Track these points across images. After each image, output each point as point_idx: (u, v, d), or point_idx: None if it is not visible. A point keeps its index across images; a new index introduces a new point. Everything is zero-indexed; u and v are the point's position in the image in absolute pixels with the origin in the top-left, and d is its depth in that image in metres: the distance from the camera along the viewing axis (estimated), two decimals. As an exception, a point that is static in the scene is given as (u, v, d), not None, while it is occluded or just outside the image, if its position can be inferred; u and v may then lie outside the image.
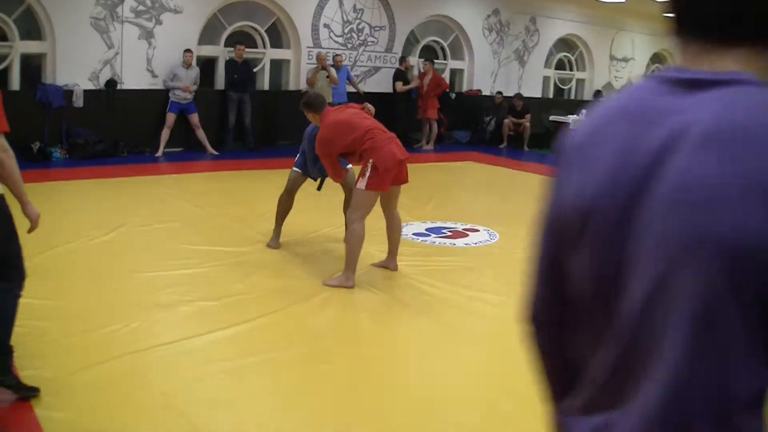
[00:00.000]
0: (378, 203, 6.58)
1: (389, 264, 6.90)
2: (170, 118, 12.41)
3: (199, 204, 8.90)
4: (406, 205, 6.56)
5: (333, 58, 14.17)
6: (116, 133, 12.02)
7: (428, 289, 6.44)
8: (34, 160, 10.86)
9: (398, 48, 16.05)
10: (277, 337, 5.16)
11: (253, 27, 14.12)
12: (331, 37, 14.84)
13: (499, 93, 17.51)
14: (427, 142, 15.66)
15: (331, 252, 7.37)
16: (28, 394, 3.89)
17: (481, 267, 7.28)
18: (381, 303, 6.07)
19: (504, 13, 17.99)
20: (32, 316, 4.79)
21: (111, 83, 12.12)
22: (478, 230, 8.59)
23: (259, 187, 10.29)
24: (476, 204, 10.38)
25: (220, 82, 13.70)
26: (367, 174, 6.27)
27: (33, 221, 3.89)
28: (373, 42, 15.61)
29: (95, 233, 7.27)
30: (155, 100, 12.47)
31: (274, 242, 7.34)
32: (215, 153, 12.88)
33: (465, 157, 14.73)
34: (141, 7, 12.26)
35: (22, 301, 3.93)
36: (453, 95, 16.50)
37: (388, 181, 6.33)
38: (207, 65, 13.20)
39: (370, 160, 6.25)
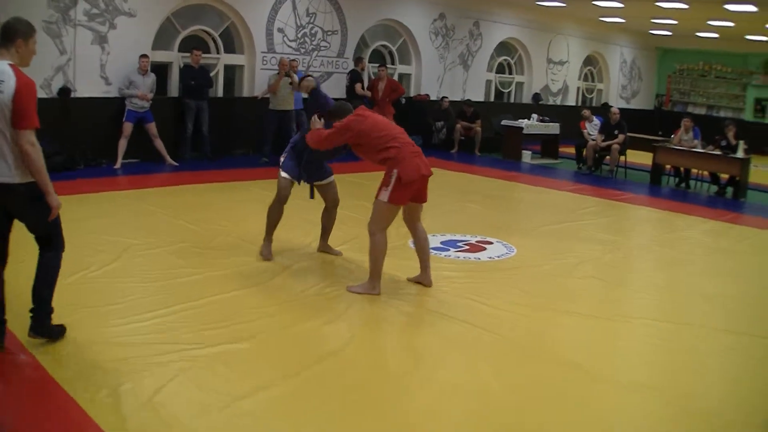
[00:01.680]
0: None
1: (423, 279, 6.71)
2: (127, 127, 11.71)
3: (190, 220, 8.35)
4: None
5: (288, 64, 13.65)
6: (71, 144, 11.25)
7: (478, 305, 6.15)
8: None
9: (350, 53, 15.65)
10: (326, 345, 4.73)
11: (206, 31, 13.47)
12: (284, 42, 14.33)
13: (445, 98, 17.31)
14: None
15: (332, 262, 7.24)
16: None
17: (516, 281, 7.03)
18: (421, 317, 5.68)
19: (449, 17, 17.80)
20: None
21: (64, 91, 11.36)
22: (492, 243, 8.40)
23: (242, 198, 9.81)
24: (465, 213, 10.11)
25: (173, 88, 13.01)
26: (391, 186, 6.15)
27: (54, 209, 4.53)
28: (325, 47, 15.16)
29: (101, 259, 6.67)
30: (110, 109, 11.76)
31: (268, 252, 7.12)
32: (175, 164, 12.22)
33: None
34: (94, 10, 11.54)
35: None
36: (403, 100, 16.14)
37: (408, 196, 6.26)
38: (159, 71, 12.48)
39: (395, 171, 6.13)
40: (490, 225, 9.36)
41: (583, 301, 6.69)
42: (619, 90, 24.35)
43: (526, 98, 20.79)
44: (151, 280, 6.26)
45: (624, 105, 23.34)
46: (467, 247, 8.16)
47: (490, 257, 7.83)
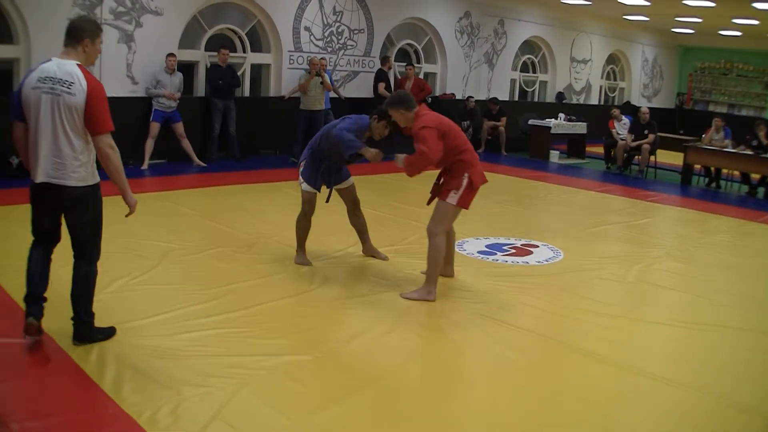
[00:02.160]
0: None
1: (447, 272, 6.72)
2: (155, 127, 11.51)
3: (226, 223, 8.15)
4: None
5: (319, 63, 13.43)
6: (98, 145, 11.02)
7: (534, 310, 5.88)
8: (17, 176, 9.80)
9: (376, 51, 15.44)
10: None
11: (232, 30, 13.26)
12: (311, 41, 14.11)
13: (471, 97, 17.07)
14: (408, 149, 15.01)
15: (376, 266, 7.01)
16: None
17: (572, 286, 6.84)
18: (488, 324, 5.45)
19: (474, 16, 17.56)
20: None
21: (91, 91, 11.11)
22: (537, 246, 8.16)
23: (274, 200, 9.63)
24: (502, 215, 9.90)
25: (199, 88, 12.81)
26: (462, 189, 6.09)
27: (132, 207, 4.78)
28: (352, 45, 14.94)
29: (141, 265, 6.47)
30: (137, 109, 11.55)
31: (304, 260, 6.93)
32: (202, 164, 12.01)
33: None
34: (120, 8, 11.33)
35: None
36: (429, 99, 15.89)
37: (472, 200, 6.20)
38: (185, 71, 12.27)
39: (466, 174, 6.07)
40: (529, 227, 9.16)
41: (650, 307, 6.50)
42: (641, 89, 24.08)
43: (550, 97, 20.55)
44: (196, 286, 6.04)
45: (646, 103, 23.00)
46: (513, 251, 7.95)
47: (539, 261, 7.62)
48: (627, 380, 4.83)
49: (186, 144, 11.89)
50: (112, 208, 8.20)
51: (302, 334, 5.21)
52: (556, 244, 8.32)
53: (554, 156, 16.44)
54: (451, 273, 6.76)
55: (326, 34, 14.36)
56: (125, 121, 11.25)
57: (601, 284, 7.04)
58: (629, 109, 21.64)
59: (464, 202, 6.11)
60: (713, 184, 14.41)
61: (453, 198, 6.08)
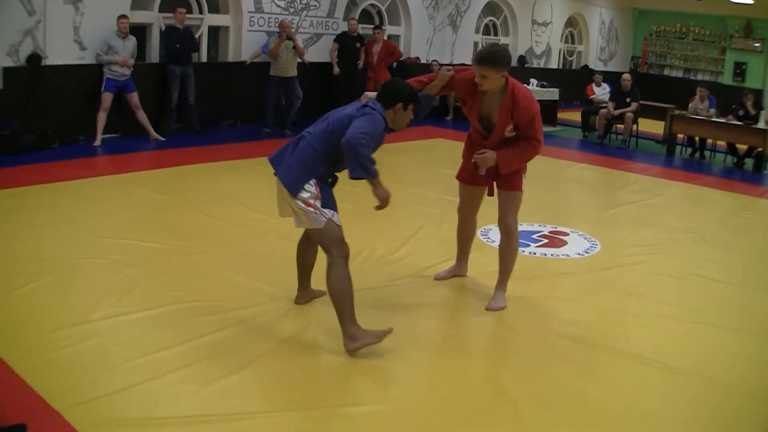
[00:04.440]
0: (463, 203, 5.55)
1: (461, 271, 5.76)
2: (107, 98, 10.19)
3: (215, 214, 6.98)
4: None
5: (279, 24, 12.23)
6: (43, 119, 9.71)
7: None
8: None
9: (340, 12, 14.23)
10: None
11: (188, -13, 11.95)
12: (273, 1, 12.83)
13: (435, 61, 16.01)
14: (377, 117, 13.91)
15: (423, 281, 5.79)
16: None
17: (630, 285, 5.99)
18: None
19: (439, -25, 16.45)
20: None
21: (34, 58, 9.76)
22: (567, 233, 7.23)
23: (257, 181, 8.43)
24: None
25: (153, 53, 11.49)
26: (525, 171, 5.18)
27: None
28: (315, 6, 13.69)
29: (128, 278, 5.29)
30: (86, 78, 10.21)
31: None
32: (160, 138, 10.75)
33: (425, 134, 13.10)
34: (66, -36, 9.92)
35: None
36: (394, 64, 14.77)
37: None
38: (137, 34, 10.90)
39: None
40: (540, 208, 8.26)
41: (711, 309, 5.64)
42: (597, 52, 23.31)
43: (512, 61, 19.57)
44: (212, 307, 4.87)
45: (602, 67, 22.31)
46: (545, 241, 7.03)
47: (579, 254, 6.71)
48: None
49: (142, 116, 10.62)
50: (71, 197, 7.06)
51: (373, 380, 4.13)
52: (586, 231, 7.45)
53: (526, 124, 15.49)
54: (465, 271, 5.80)
55: (288, -7, 13.11)
56: (74, 91, 10.08)
57: (658, 282, 6.15)
58: (586, 73, 20.98)
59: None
60: (697, 154, 13.72)
61: (522, 183, 5.16)
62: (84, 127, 10.12)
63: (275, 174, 4.41)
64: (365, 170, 4.13)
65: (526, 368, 4.35)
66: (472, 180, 5.25)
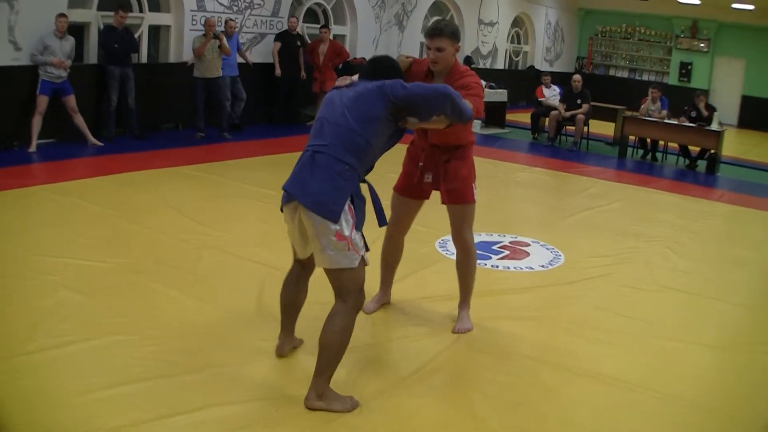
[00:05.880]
0: (397, 219, 4.96)
1: (387, 298, 5.22)
2: (42, 101, 9.65)
3: (153, 226, 6.59)
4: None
5: (225, 24, 11.81)
6: (-27, 124, 9.17)
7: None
8: None
9: (284, 11, 13.81)
10: None
11: (128, -15, 11.43)
12: (216, -1, 12.38)
13: (383, 61, 15.64)
14: (323, 120, 13.54)
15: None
16: None
17: (600, 300, 5.68)
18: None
19: (386, -27, 16.14)
20: None
21: (-36, 59, 9.20)
22: (529, 244, 6.96)
23: (197, 189, 8.09)
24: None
25: (91, 54, 10.97)
26: (475, 180, 4.81)
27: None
28: (259, 5, 13.27)
29: (66, 300, 4.85)
30: (21, 80, 9.65)
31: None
32: (99, 143, 10.25)
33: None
34: (-3, -41, 9.38)
35: None
36: (340, 66, 14.40)
37: None
38: (74, 34, 10.37)
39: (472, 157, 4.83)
40: (498, 215, 8.03)
41: (692, 324, 5.43)
42: (543, 52, 23.22)
43: (459, 61, 19.33)
44: (159, 337, 4.47)
45: (548, 68, 22.21)
46: (507, 252, 6.73)
47: (542, 266, 6.44)
48: None
49: (79, 120, 10.10)
50: (3, 209, 6.57)
51: None
52: (548, 241, 7.20)
53: (476, 126, 15.23)
54: (388, 298, 5.22)
55: (232, -8, 12.66)
56: (7, 94, 9.55)
57: (626, 295, 5.91)
58: (533, 74, 20.87)
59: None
60: (648, 156, 13.63)
61: (474, 193, 4.77)
62: (18, 133, 9.58)
63: (286, 202, 3.72)
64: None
65: (504, 398, 4.04)
66: (414, 193, 4.83)
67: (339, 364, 3.69)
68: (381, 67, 3.95)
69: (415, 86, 3.78)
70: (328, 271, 3.68)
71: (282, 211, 3.80)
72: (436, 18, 17.68)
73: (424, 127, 4.13)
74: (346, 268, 3.62)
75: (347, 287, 3.67)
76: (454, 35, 4.46)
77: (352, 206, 3.64)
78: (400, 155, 4.51)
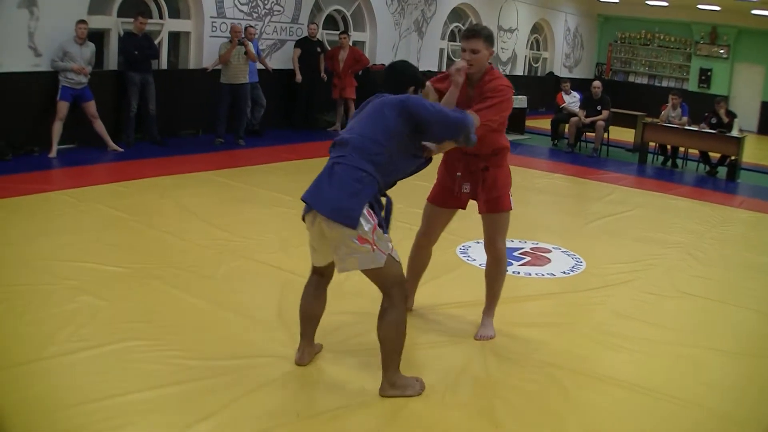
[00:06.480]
0: (429, 229, 4.95)
1: (409, 305, 5.06)
2: (63, 107, 9.70)
3: (174, 231, 6.57)
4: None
5: (245, 30, 11.82)
6: (-5, 129, 9.21)
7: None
8: None
9: (304, 18, 13.83)
10: None
11: (148, -8, 11.49)
12: (236, 5, 12.43)
13: (402, 68, 15.63)
14: (342, 126, 13.57)
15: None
16: None
17: (622, 307, 5.65)
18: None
19: (405, -20, 16.14)
20: None
21: (-14, 65, 9.25)
22: (550, 250, 6.92)
23: (217, 194, 8.10)
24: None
25: (111, 60, 11.02)
26: (510, 187, 4.79)
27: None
28: (279, 11, 13.30)
29: (85, 305, 4.85)
30: (41, 86, 9.71)
31: None
32: (119, 149, 10.28)
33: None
34: (19, -34, 9.43)
35: None
36: (360, 71, 14.40)
37: None
38: (95, 40, 10.41)
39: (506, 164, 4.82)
40: (523, 223, 7.81)
41: (706, 331, 5.37)
42: (563, 59, 23.16)
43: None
44: (177, 342, 4.46)
45: (567, 74, 22.17)
46: (528, 258, 6.71)
47: (564, 272, 6.39)
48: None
49: (99, 126, 10.14)
50: (24, 214, 6.60)
51: None
52: (569, 247, 7.16)
53: (495, 133, 15.20)
54: (411, 303, 5.13)
55: (252, -1, 12.69)
56: (28, 100, 9.60)
57: (648, 302, 5.85)
58: (552, 80, 20.81)
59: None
60: (668, 163, 13.54)
61: (510, 200, 4.77)
62: (39, 138, 9.63)
63: (307, 212, 3.77)
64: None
65: (525, 404, 4.00)
66: (450, 203, 4.80)
67: (401, 353, 3.85)
68: (394, 73, 4.04)
69: (437, 109, 3.82)
70: (365, 272, 3.76)
71: (303, 220, 3.83)
72: (467, 22, 17.68)
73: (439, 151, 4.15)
74: (376, 268, 3.68)
75: (388, 283, 3.76)
76: (489, 38, 4.44)
77: (371, 210, 3.65)
78: (432, 165, 4.47)
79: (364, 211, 3.60)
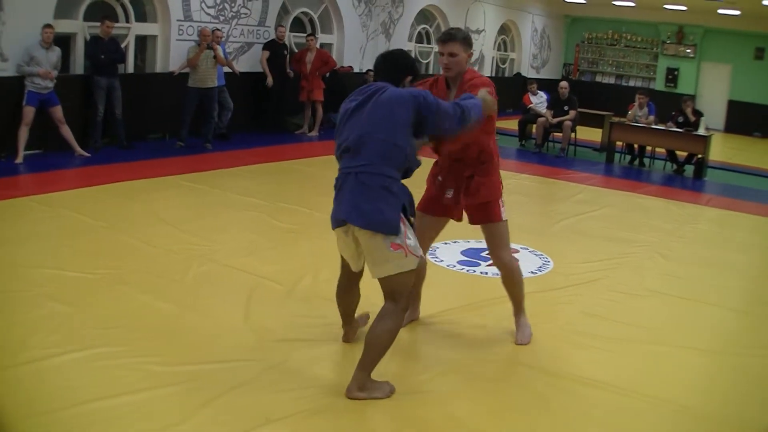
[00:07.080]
0: (422, 239, 4.59)
1: (415, 315, 5.11)
2: (29, 112, 9.61)
3: (145, 239, 6.53)
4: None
5: (212, 33, 11.76)
6: (-40, 136, 9.12)
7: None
8: None
9: (271, 21, 13.81)
10: None
11: (114, -5, 11.42)
12: (203, 9, 12.38)
13: (370, 70, 15.66)
14: (310, 129, 13.58)
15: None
16: None
17: (591, 306, 5.69)
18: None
19: (372, -19, 16.16)
20: None
21: (-50, 70, 9.15)
22: (517, 250, 6.97)
23: (183, 198, 8.06)
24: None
25: (77, 64, 10.94)
26: (502, 197, 4.74)
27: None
28: (246, 14, 13.27)
29: (54, 312, 4.82)
30: (7, 91, 9.62)
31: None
32: (86, 154, 10.21)
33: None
34: (-17, -30, 9.35)
35: None
36: (327, 74, 14.39)
37: None
38: (60, 44, 10.32)
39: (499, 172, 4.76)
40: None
41: (683, 328, 5.45)
42: (530, 59, 23.30)
43: (445, 69, 19.36)
44: (146, 348, 4.44)
45: (534, 75, 22.31)
46: (495, 259, 6.68)
47: (532, 272, 6.44)
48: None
49: (66, 131, 10.05)
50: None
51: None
52: (537, 247, 7.23)
53: (463, 134, 15.27)
54: (418, 315, 5.16)
55: (218, 1, 12.64)
56: (-8, 106, 9.41)
57: (616, 301, 5.91)
58: (519, 81, 20.94)
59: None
60: (636, 162, 13.68)
61: (504, 211, 4.74)
62: (5, 144, 9.54)
63: (340, 225, 3.86)
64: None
65: (494, 405, 4.03)
66: (436, 210, 4.78)
67: (382, 358, 3.90)
68: (392, 62, 4.03)
69: (443, 110, 3.86)
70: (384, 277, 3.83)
71: (333, 229, 3.93)
72: (434, 24, 17.76)
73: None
74: (401, 272, 3.77)
75: (399, 290, 3.83)
76: (466, 41, 4.44)
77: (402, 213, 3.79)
78: (423, 173, 4.48)
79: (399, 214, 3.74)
